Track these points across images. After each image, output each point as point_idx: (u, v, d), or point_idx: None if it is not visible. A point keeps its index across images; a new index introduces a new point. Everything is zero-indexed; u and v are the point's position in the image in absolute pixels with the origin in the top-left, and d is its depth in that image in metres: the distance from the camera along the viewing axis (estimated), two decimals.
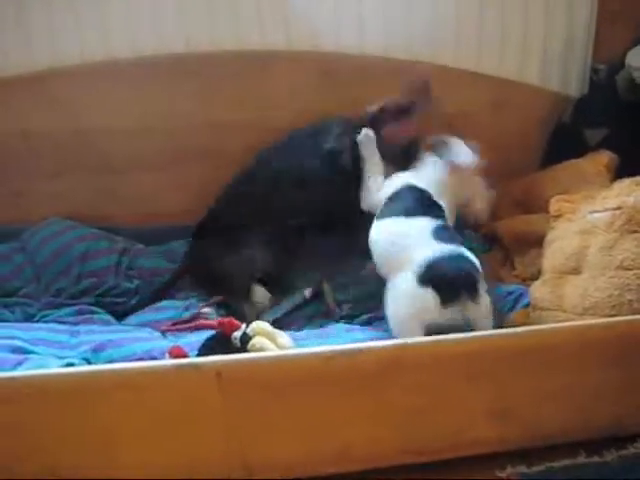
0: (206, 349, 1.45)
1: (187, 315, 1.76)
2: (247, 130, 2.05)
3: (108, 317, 1.82)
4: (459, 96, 2.26)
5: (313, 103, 2.09)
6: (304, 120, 2.07)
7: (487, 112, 2.30)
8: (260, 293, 1.73)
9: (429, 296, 1.50)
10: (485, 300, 1.54)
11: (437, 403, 1.37)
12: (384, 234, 1.67)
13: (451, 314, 1.49)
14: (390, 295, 1.57)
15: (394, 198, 1.74)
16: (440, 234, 1.60)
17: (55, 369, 1.41)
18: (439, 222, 1.65)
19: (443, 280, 1.51)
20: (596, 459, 1.43)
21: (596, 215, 1.66)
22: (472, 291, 1.51)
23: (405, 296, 1.53)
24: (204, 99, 2.09)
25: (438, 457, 1.40)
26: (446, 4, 2.26)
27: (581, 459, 1.43)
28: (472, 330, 1.47)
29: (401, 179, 1.79)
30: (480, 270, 1.55)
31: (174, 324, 1.72)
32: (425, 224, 1.63)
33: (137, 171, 2.13)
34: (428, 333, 1.45)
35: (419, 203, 1.70)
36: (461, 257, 1.56)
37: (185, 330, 1.68)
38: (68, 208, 2.10)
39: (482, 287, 1.53)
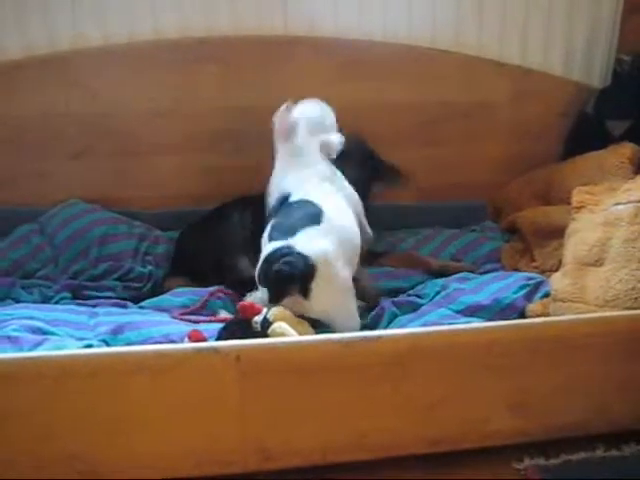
0: (226, 333, 1.44)
1: (197, 303, 1.76)
2: (267, 115, 2.04)
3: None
4: (482, 86, 2.26)
5: (334, 90, 2.07)
6: None
7: (509, 102, 2.29)
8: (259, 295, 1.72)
9: (264, 295, 1.53)
10: (321, 296, 1.50)
11: (455, 393, 1.37)
12: None
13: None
14: None
15: None
16: (275, 231, 1.60)
17: (75, 350, 1.41)
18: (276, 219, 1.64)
19: (269, 278, 1.51)
20: (614, 453, 1.42)
21: (619, 207, 1.64)
22: (302, 288, 1.49)
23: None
24: (225, 83, 2.09)
25: (455, 447, 1.40)
26: None
27: (599, 452, 1.42)
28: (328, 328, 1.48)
29: None
30: (316, 265, 1.50)
31: (183, 313, 1.71)
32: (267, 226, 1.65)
33: (157, 154, 2.13)
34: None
35: None
36: (291, 253, 1.52)
37: (200, 322, 1.67)
38: (88, 190, 2.10)
39: (317, 283, 1.50)
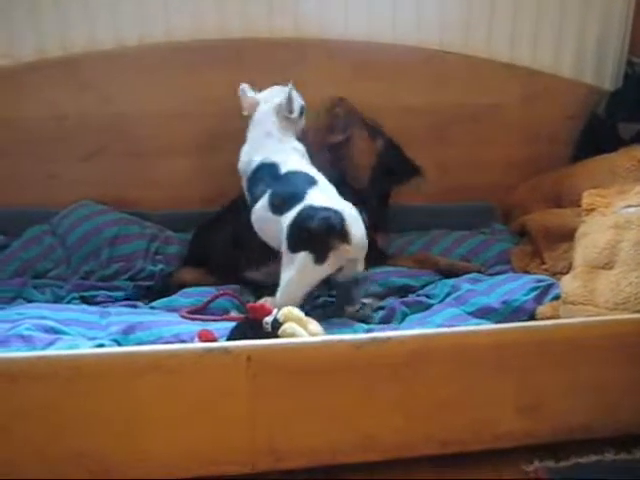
0: (237, 333, 1.45)
1: (202, 302, 1.77)
2: None
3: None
4: (492, 88, 2.26)
5: (345, 92, 2.08)
6: None
7: (519, 104, 2.28)
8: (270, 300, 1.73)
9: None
10: (357, 235, 1.61)
11: (465, 394, 1.37)
12: None
13: None
14: None
15: None
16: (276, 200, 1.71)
17: (87, 349, 1.42)
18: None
19: (312, 239, 1.61)
20: (624, 456, 1.42)
21: (630, 210, 1.64)
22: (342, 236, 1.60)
23: None
24: (236, 85, 2.08)
25: (464, 449, 1.40)
26: None
27: (609, 455, 1.42)
28: None
29: None
30: (341, 211, 1.61)
31: (190, 312, 1.72)
32: None
33: (169, 156, 2.14)
34: None
35: None
36: (318, 209, 1.63)
37: (209, 320, 1.68)
38: (99, 192, 2.11)
39: (350, 225, 1.60)
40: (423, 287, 1.88)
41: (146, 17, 2.08)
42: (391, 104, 2.09)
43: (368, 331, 1.55)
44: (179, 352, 1.29)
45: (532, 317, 1.66)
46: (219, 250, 1.95)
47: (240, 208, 1.92)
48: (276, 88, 1.94)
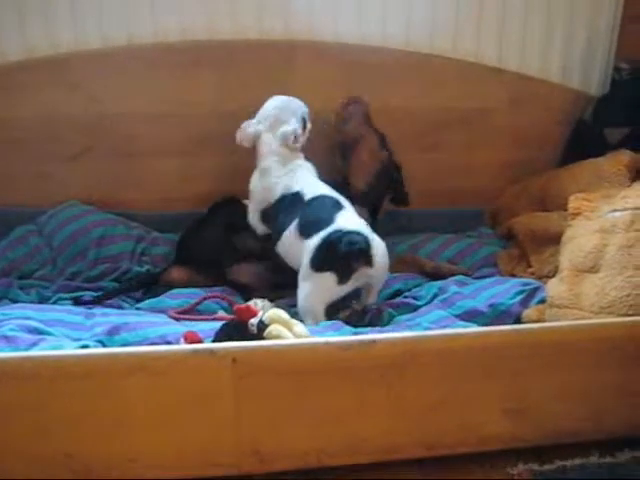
0: (222, 335, 1.44)
1: (191, 303, 1.77)
2: None
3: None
4: (479, 92, 2.27)
5: (333, 94, 2.08)
6: (325, 111, 2.07)
7: (507, 108, 2.29)
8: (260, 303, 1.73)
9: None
10: (379, 259, 1.68)
11: (451, 397, 1.37)
12: None
13: None
14: None
15: None
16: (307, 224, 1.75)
17: (71, 350, 1.41)
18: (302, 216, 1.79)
19: (339, 261, 1.67)
20: (609, 459, 1.43)
21: (616, 214, 1.65)
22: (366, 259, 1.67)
23: None
24: (225, 87, 2.10)
25: (450, 452, 1.40)
26: (468, 0, 2.24)
27: (594, 459, 1.43)
28: None
29: None
30: (366, 235, 1.67)
31: (180, 312, 1.72)
32: None
33: (156, 157, 2.13)
34: None
35: None
36: (346, 233, 1.68)
37: (198, 320, 1.68)
38: (87, 192, 2.10)
39: (375, 249, 1.67)
40: (410, 289, 1.88)
41: (135, 17, 2.07)
42: (379, 107, 2.08)
43: (355, 334, 1.55)
44: (164, 353, 1.28)
45: (518, 320, 1.67)
46: (207, 249, 1.95)
47: (228, 209, 1.92)
48: (270, 105, 1.94)
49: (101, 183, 2.13)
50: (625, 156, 2.00)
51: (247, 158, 1.94)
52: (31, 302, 1.77)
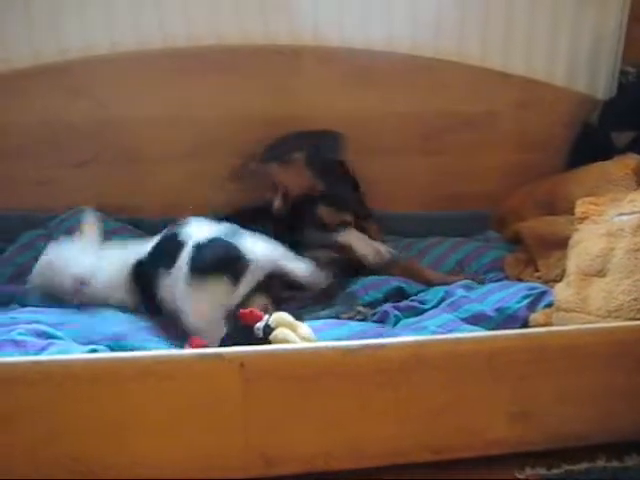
0: (229, 340, 1.45)
1: None
2: (275, 124, 2.06)
3: None
4: (485, 96, 2.27)
5: (339, 98, 2.09)
6: (331, 116, 2.07)
7: (513, 112, 2.29)
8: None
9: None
10: None
11: (458, 401, 1.37)
12: None
13: None
14: None
15: None
16: None
17: (79, 355, 1.42)
18: None
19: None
20: (615, 464, 1.42)
21: (623, 218, 1.65)
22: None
23: None
24: (232, 92, 2.11)
25: (456, 456, 1.40)
26: (474, 3, 2.25)
27: (601, 463, 1.42)
28: None
29: None
30: None
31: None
32: None
33: (163, 162, 2.14)
34: None
35: None
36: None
37: None
38: (93, 198, 2.10)
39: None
40: (417, 294, 1.88)
41: (141, 23, 2.08)
42: (385, 111, 2.10)
43: (361, 333, 1.55)
44: (173, 358, 1.29)
45: (525, 325, 1.67)
46: None
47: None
48: None
49: (107, 189, 2.14)
50: (632, 160, 1.99)
51: None
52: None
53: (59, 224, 2.04)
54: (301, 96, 2.05)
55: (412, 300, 1.84)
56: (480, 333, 1.53)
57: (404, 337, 1.40)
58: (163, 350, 1.41)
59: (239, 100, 2.14)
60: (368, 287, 1.86)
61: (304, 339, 1.43)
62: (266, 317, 1.48)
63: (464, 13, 2.25)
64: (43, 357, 1.39)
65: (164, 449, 1.30)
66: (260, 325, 1.46)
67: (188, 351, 1.35)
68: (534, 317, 1.67)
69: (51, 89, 2.07)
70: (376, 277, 1.91)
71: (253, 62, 2.13)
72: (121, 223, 2.09)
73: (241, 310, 1.53)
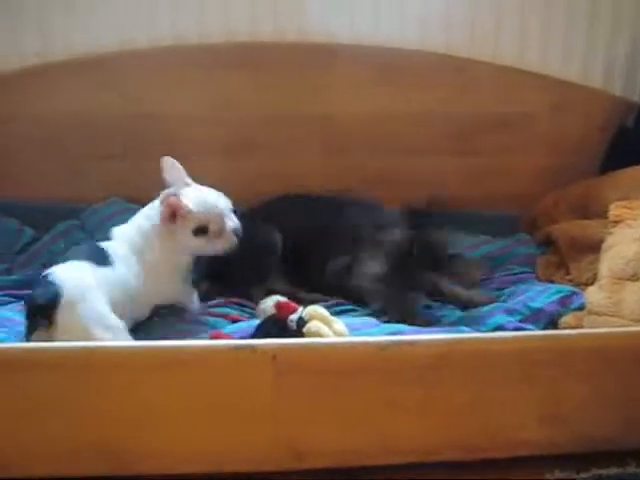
0: (262, 331, 1.46)
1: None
2: (306, 122, 2.07)
3: None
4: (520, 97, 2.25)
5: (373, 97, 2.09)
6: (363, 115, 2.08)
7: (548, 114, 2.27)
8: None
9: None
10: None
11: (487, 401, 1.36)
12: None
13: None
14: None
15: None
16: None
17: (106, 342, 1.40)
18: None
19: None
20: None
21: None
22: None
23: None
24: (265, 89, 2.11)
25: (485, 456, 1.39)
26: (510, 4, 2.24)
27: (631, 469, 1.41)
28: None
29: None
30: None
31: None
32: None
33: (196, 158, 2.11)
34: None
35: None
36: None
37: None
38: (123, 191, 2.13)
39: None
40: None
41: (180, 18, 2.11)
42: (419, 111, 2.10)
43: (394, 333, 1.56)
44: (205, 348, 1.30)
45: (553, 321, 1.67)
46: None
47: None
48: None
49: (138, 182, 2.13)
50: None
51: (286, 161, 1.96)
52: None
53: (90, 215, 2.07)
54: (334, 95, 2.05)
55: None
56: (512, 333, 1.52)
57: (436, 335, 1.40)
58: (195, 340, 1.42)
59: (272, 98, 2.14)
60: None
61: (337, 334, 1.44)
62: (300, 309, 1.49)
63: (499, 13, 2.24)
64: (66, 343, 1.35)
65: (194, 439, 1.31)
66: (294, 317, 1.47)
67: (220, 342, 1.36)
68: (565, 319, 1.67)
69: (84, 82, 2.08)
70: None
71: (287, 59, 2.14)
72: None
73: (277, 302, 1.54)
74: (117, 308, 1.49)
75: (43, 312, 1.39)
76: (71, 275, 1.45)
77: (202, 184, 2.11)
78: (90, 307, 1.42)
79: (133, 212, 2.04)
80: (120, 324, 1.47)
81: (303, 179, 2.07)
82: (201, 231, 1.64)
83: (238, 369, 1.28)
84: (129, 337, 1.48)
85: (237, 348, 1.27)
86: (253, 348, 1.26)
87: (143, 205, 2.06)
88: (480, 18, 2.23)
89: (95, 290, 1.46)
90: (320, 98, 2.13)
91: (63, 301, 1.39)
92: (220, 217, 1.65)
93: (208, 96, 2.13)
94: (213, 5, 2.11)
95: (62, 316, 1.39)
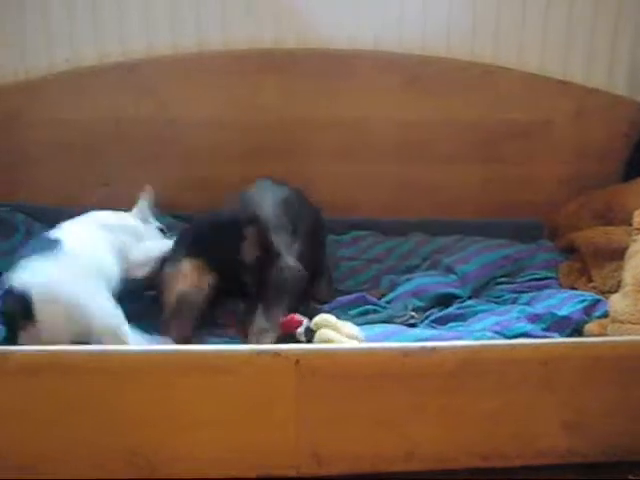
0: None
1: None
2: (329, 128, 2.08)
3: None
4: (544, 104, 2.24)
5: (397, 104, 2.10)
6: (386, 122, 2.08)
7: (571, 121, 2.26)
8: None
9: None
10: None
11: (510, 408, 1.37)
12: None
13: None
14: None
15: None
16: None
17: (136, 346, 1.44)
18: None
19: None
20: None
21: None
22: None
23: None
24: (290, 95, 2.12)
25: (506, 464, 1.40)
26: (534, 10, 2.24)
27: None
28: None
29: None
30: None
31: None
32: None
33: (222, 162, 2.17)
34: None
35: None
36: None
37: None
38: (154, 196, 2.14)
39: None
40: (470, 297, 1.87)
41: (204, 26, 2.13)
42: (442, 118, 2.10)
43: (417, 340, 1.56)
44: (229, 352, 1.32)
45: (577, 328, 1.66)
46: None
47: None
48: None
49: (167, 187, 2.16)
50: None
51: (310, 166, 1.97)
52: None
53: None
54: (357, 101, 2.05)
55: (459, 307, 1.84)
56: (535, 340, 1.52)
57: (459, 341, 1.40)
58: (221, 345, 1.43)
59: (297, 103, 2.15)
60: (417, 292, 1.86)
61: (349, 337, 1.45)
62: (306, 321, 1.50)
63: (524, 20, 2.23)
64: (100, 347, 1.39)
65: (218, 443, 1.33)
66: (301, 330, 1.49)
67: (245, 346, 1.37)
68: (589, 327, 1.66)
69: (116, 88, 2.11)
70: (425, 281, 1.91)
71: (311, 66, 2.15)
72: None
73: (281, 320, 1.55)
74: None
75: (20, 316, 1.44)
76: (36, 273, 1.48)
77: (227, 187, 2.10)
78: (63, 297, 1.46)
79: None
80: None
81: (326, 185, 2.08)
82: None
83: (262, 374, 1.29)
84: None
85: (261, 353, 1.29)
86: (277, 353, 1.28)
87: (170, 211, 2.10)
88: (504, 26, 2.23)
89: (63, 280, 1.49)
90: (343, 105, 2.14)
91: (36, 301, 1.44)
92: None
93: (235, 102, 2.14)
94: (238, 12, 2.13)
95: (39, 313, 1.44)
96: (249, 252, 1.70)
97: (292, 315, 1.56)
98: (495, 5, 2.21)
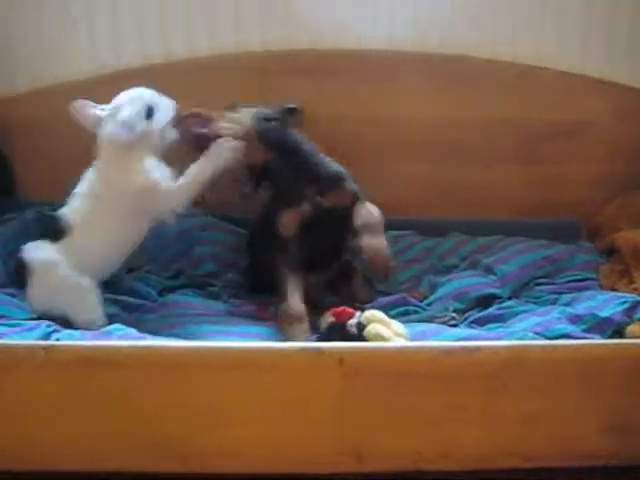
0: (323, 338, 1.48)
1: None
2: (371, 128, 2.08)
3: None
4: (584, 104, 2.22)
5: (439, 105, 2.10)
6: (427, 122, 2.09)
7: (612, 121, 2.23)
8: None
9: None
10: None
11: (551, 409, 1.37)
12: None
13: None
14: None
15: None
16: None
17: (179, 342, 1.44)
18: None
19: None
20: None
21: None
22: None
23: None
24: (327, 96, 2.12)
25: (547, 465, 1.40)
26: (574, 10, 2.22)
27: None
28: None
29: None
30: None
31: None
32: None
33: None
34: None
35: None
36: None
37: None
38: None
39: None
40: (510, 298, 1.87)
41: (216, 29, 2.16)
42: (483, 118, 2.09)
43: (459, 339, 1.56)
44: (273, 350, 1.34)
45: (619, 330, 1.64)
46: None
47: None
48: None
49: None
50: None
51: (351, 165, 1.97)
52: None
53: None
54: (398, 102, 2.05)
55: (499, 308, 1.84)
56: (578, 341, 1.51)
57: (500, 341, 1.40)
58: (264, 342, 1.45)
59: (333, 104, 2.15)
60: (458, 294, 1.86)
61: (397, 335, 1.46)
62: (358, 314, 1.51)
63: (564, 20, 2.22)
64: (145, 342, 1.43)
65: (260, 438, 1.34)
66: (353, 322, 1.49)
67: (289, 344, 1.39)
68: (631, 329, 1.64)
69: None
70: (466, 283, 1.91)
71: (352, 67, 2.15)
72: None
73: (333, 308, 1.56)
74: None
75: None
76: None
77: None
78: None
79: (195, 217, 2.07)
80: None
81: (365, 184, 2.07)
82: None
83: (305, 372, 1.31)
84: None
85: (304, 350, 1.30)
86: (320, 351, 1.29)
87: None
88: (545, 26, 2.21)
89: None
90: (383, 106, 2.14)
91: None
92: None
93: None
94: (274, 16, 2.15)
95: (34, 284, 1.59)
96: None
97: (345, 307, 1.56)
98: (537, 5, 2.20)
